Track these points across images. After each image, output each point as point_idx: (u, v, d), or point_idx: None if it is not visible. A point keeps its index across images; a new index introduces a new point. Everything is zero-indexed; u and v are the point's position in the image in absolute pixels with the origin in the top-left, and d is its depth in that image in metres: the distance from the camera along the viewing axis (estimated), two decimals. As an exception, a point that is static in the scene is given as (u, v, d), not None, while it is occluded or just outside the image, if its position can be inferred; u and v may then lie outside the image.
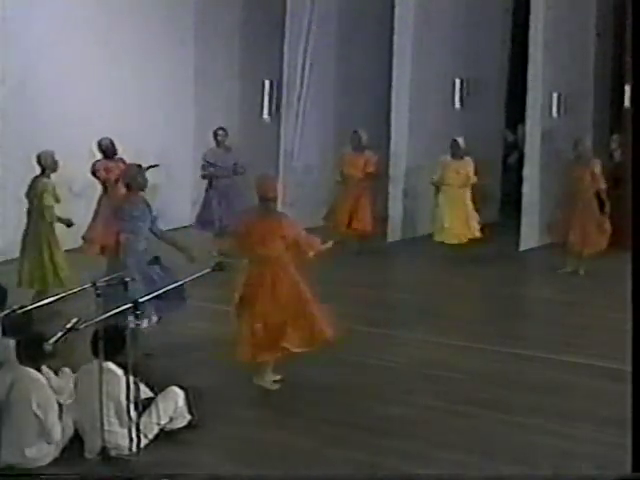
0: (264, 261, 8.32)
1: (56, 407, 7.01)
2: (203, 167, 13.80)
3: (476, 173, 13.35)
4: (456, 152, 13.34)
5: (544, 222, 13.87)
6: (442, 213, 13.44)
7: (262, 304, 8.29)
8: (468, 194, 13.44)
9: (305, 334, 8.35)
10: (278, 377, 8.57)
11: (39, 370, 7.10)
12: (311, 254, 8.35)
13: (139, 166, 9.77)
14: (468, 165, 13.33)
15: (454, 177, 13.32)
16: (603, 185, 12.65)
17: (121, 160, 12.65)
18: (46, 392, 7.00)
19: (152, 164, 12.01)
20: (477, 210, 13.57)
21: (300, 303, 8.38)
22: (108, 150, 12.68)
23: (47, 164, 10.77)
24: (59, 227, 10.99)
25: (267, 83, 15.63)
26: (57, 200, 10.84)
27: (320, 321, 8.36)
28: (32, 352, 7.05)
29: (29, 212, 10.89)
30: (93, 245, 11.79)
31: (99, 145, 12.71)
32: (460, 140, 13.35)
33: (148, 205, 9.35)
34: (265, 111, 15.69)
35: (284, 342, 8.30)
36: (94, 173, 12.70)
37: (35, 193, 10.73)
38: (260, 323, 8.28)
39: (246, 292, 8.38)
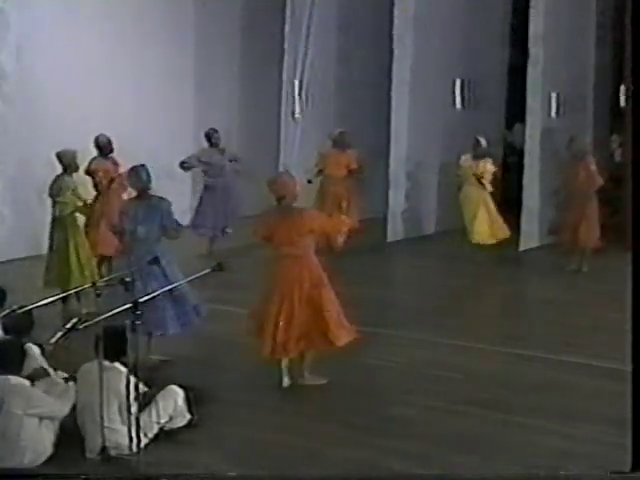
0: (290, 260, 8.32)
1: (49, 400, 7.03)
2: (186, 161, 13.77)
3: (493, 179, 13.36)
4: (476, 153, 13.27)
5: (544, 222, 13.88)
6: (466, 213, 13.40)
7: (288, 302, 8.31)
8: (488, 194, 13.40)
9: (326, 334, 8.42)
10: (323, 381, 8.57)
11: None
12: (340, 240, 8.34)
13: (142, 166, 9.61)
14: (486, 165, 13.27)
15: (471, 176, 13.26)
16: (600, 182, 12.61)
17: (112, 159, 12.54)
18: (31, 393, 7.02)
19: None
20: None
21: (334, 299, 8.43)
22: (105, 147, 12.54)
23: (67, 163, 10.73)
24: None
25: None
26: (79, 199, 10.82)
27: (335, 325, 8.38)
28: (9, 361, 7.05)
29: (53, 211, 10.85)
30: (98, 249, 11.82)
31: (96, 141, 12.61)
32: (482, 140, 13.30)
33: (157, 204, 9.22)
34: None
35: (310, 340, 8.37)
36: (91, 172, 12.56)
37: (55, 191, 10.72)
38: (284, 321, 8.31)
39: (271, 290, 8.40)
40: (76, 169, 10.82)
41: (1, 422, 6.90)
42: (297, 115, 15.52)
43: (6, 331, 7.64)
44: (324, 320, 8.33)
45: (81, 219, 11.02)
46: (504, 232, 13.47)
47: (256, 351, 8.47)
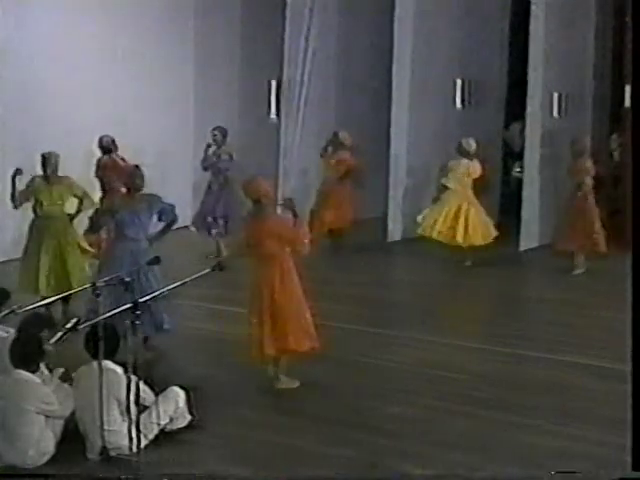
0: (262, 261, 8.38)
1: (52, 402, 7.05)
2: (203, 161, 13.74)
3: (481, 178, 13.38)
4: (464, 153, 13.28)
5: (544, 222, 13.88)
6: (448, 215, 13.37)
7: (263, 303, 8.35)
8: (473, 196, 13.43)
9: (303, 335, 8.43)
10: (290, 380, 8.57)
11: (34, 371, 7.11)
12: (300, 249, 8.35)
13: (137, 166, 9.72)
14: (476, 167, 13.31)
15: (463, 177, 13.28)
16: (593, 172, 12.55)
17: (121, 158, 12.65)
18: (41, 390, 7.02)
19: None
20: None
21: (299, 304, 8.46)
22: (109, 148, 12.64)
23: (50, 164, 10.67)
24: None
25: (274, 83, 15.60)
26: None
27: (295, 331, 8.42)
28: (24, 356, 7.05)
29: (35, 213, 10.77)
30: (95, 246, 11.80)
31: (100, 142, 12.68)
32: (464, 141, 13.31)
33: (150, 205, 9.36)
34: (272, 111, 15.62)
35: (286, 342, 8.37)
36: (97, 171, 12.66)
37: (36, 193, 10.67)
38: (257, 319, 8.35)
39: (251, 291, 8.47)
40: (55, 171, 10.73)
41: (10, 417, 6.92)
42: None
43: (20, 330, 7.65)
44: (285, 324, 8.35)
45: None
46: (490, 234, 13.40)
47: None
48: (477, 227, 13.30)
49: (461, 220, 13.23)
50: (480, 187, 13.39)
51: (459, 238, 13.18)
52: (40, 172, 10.61)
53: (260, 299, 8.38)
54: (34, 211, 10.58)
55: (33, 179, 10.59)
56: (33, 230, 10.66)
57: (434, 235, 13.28)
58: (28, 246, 10.68)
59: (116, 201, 9.78)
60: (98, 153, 12.90)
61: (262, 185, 8.53)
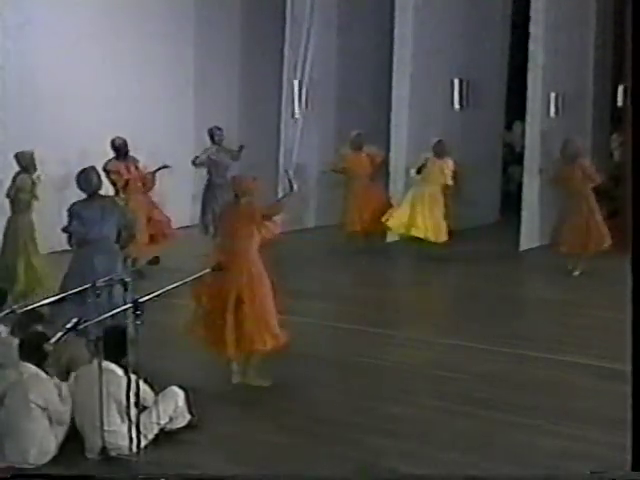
0: (231, 256, 8.32)
1: (57, 399, 7.05)
2: (199, 156, 13.79)
3: (454, 178, 13.46)
4: (439, 152, 13.40)
5: (544, 222, 13.89)
6: (412, 208, 13.53)
7: (222, 299, 8.30)
8: (441, 195, 13.54)
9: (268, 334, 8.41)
10: (267, 383, 8.53)
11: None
12: (275, 224, 8.46)
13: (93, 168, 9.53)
14: (449, 165, 13.41)
15: (437, 175, 13.38)
16: (598, 179, 12.59)
17: (133, 159, 12.67)
18: (48, 385, 7.03)
19: (164, 165, 12.29)
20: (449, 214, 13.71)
21: (267, 304, 8.42)
22: (121, 149, 12.66)
23: (25, 163, 10.89)
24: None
25: (297, 83, 15.58)
26: (35, 197, 10.92)
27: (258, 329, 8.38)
28: (34, 351, 7.06)
29: (12, 211, 11.00)
30: None
31: (112, 144, 12.69)
32: (444, 141, 13.48)
33: (111, 205, 9.30)
34: (296, 110, 15.59)
35: (252, 341, 8.35)
36: (106, 174, 12.68)
37: (13, 190, 10.82)
38: (221, 319, 8.31)
39: (217, 285, 8.38)
40: (34, 169, 10.89)
41: (16, 411, 6.92)
42: (297, 115, 15.52)
43: (13, 330, 7.66)
44: (249, 322, 8.31)
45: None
46: (444, 234, 13.56)
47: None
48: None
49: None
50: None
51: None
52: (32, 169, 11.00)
53: (224, 297, 8.29)
54: (27, 206, 10.80)
55: (23, 179, 10.74)
56: (11, 228, 10.95)
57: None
58: (8, 243, 10.94)
59: (78, 203, 9.32)
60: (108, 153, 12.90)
61: (245, 181, 8.56)
